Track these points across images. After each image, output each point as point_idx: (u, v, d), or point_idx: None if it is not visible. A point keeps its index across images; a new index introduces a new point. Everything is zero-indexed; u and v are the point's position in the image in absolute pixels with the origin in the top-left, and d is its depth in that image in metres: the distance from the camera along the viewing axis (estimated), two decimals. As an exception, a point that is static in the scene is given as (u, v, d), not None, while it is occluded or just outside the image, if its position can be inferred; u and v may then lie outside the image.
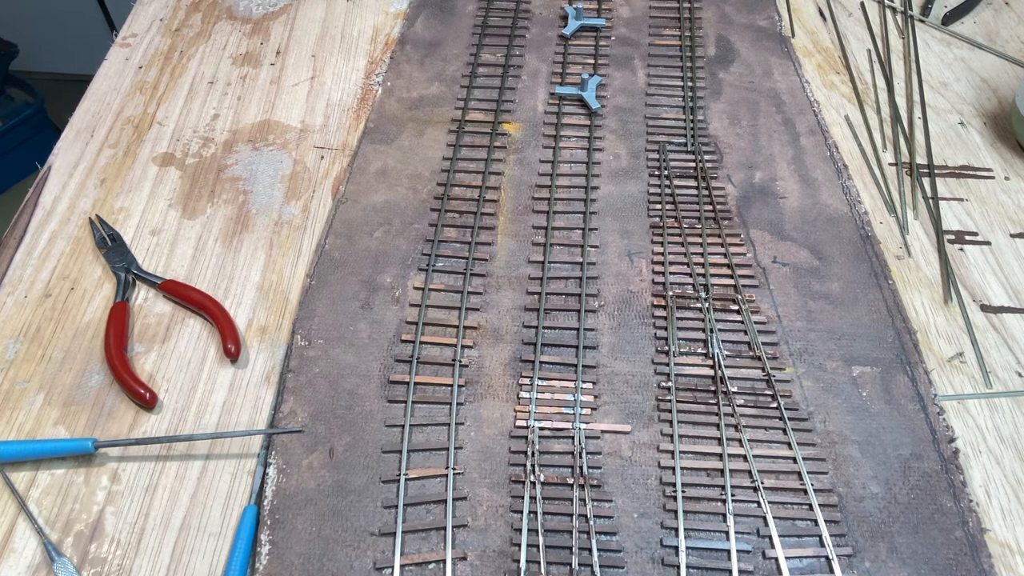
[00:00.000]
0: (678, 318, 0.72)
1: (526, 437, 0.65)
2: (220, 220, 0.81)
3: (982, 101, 0.93)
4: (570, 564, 0.58)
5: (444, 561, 0.59)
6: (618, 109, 0.92)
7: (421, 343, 0.71)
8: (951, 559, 0.59)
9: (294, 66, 0.97)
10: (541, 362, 0.70)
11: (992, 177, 0.85)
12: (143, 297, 0.75)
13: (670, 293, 0.74)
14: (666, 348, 0.70)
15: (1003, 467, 0.64)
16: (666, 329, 0.72)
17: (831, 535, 0.60)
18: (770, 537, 0.60)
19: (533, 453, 0.64)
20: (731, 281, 0.75)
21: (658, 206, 0.82)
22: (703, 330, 0.72)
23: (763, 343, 0.71)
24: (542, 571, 0.58)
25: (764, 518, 0.61)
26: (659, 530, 0.60)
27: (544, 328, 0.72)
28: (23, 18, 2.21)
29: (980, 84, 0.95)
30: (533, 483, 0.62)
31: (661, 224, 0.80)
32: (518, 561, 0.59)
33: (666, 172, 0.85)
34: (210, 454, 0.65)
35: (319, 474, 0.63)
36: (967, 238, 0.80)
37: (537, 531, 0.60)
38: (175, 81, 0.96)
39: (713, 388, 0.68)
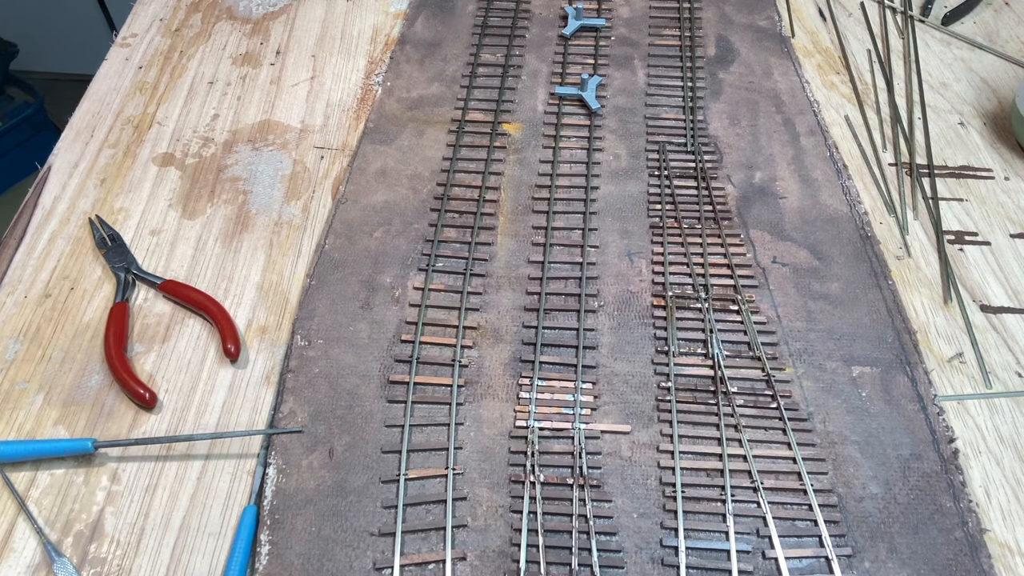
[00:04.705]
0: (678, 318, 0.72)
1: (526, 437, 0.65)
2: (220, 220, 0.81)
3: (982, 101, 0.93)
4: (570, 564, 0.58)
5: (444, 561, 0.59)
6: (618, 109, 0.92)
7: (421, 343, 0.71)
8: (951, 559, 0.59)
9: (294, 66, 0.97)
10: (541, 362, 0.70)
11: (992, 177, 0.85)
12: (143, 297, 0.75)
13: (670, 293, 0.74)
14: (666, 348, 0.70)
15: (1003, 467, 0.64)
16: (666, 329, 0.72)
17: (831, 535, 0.60)
18: (770, 537, 0.60)
19: (533, 453, 0.64)
20: (731, 281, 0.75)
21: (658, 206, 0.82)
22: (703, 330, 0.72)
23: (763, 343, 0.71)
24: (542, 571, 0.58)
25: (764, 518, 0.61)
26: (659, 530, 0.60)
27: (544, 328, 0.72)
28: (23, 18, 2.21)
29: (980, 84, 0.95)
30: (533, 483, 0.62)
31: (661, 224, 0.80)
32: (518, 561, 0.59)
33: (666, 172, 0.85)
34: (210, 454, 0.65)
35: (319, 474, 0.63)
36: (967, 238, 0.80)
37: (537, 531, 0.60)
38: (175, 81, 0.96)
39: (713, 388, 0.68)
